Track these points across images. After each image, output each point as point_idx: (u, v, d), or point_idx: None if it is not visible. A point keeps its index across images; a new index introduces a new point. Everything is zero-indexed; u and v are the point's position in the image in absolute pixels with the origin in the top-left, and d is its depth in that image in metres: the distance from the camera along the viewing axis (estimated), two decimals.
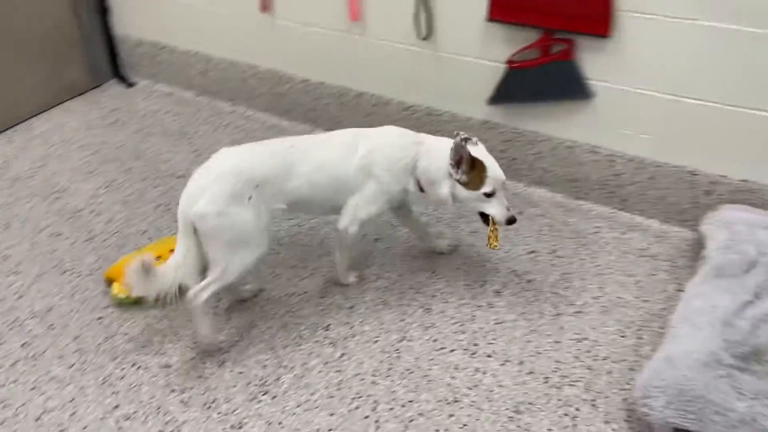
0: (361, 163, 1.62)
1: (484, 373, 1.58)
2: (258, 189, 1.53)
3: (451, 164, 1.56)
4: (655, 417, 1.34)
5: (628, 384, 1.52)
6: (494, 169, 1.58)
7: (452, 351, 1.64)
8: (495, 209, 1.59)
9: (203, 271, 1.57)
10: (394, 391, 1.54)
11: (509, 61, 1.99)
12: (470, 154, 1.54)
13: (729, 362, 1.37)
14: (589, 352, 1.62)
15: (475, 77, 2.11)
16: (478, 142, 1.62)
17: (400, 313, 1.75)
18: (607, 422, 1.45)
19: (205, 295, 1.55)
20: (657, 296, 1.77)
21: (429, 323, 1.72)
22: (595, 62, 1.89)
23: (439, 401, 1.51)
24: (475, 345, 1.65)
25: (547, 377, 1.56)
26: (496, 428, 1.45)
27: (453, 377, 1.57)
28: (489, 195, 1.58)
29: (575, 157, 2.08)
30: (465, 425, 1.46)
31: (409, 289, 1.83)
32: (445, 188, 1.60)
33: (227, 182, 1.51)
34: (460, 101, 2.21)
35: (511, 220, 1.60)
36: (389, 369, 1.60)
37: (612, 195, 2.08)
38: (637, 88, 1.87)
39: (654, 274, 1.84)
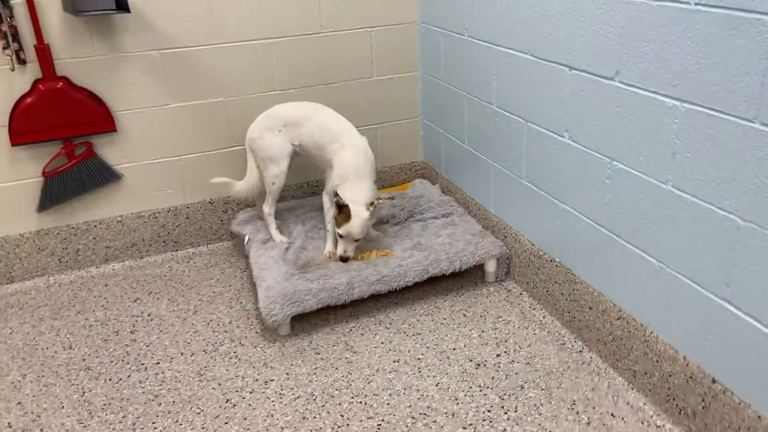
0: (333, 148, 2.36)
1: (164, 373, 2.04)
2: (285, 126, 2.41)
3: (336, 201, 2.24)
4: (279, 318, 2.10)
5: (252, 321, 2.25)
6: (353, 225, 2.21)
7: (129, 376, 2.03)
8: (339, 246, 2.29)
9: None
10: None
11: (44, 173, 2.44)
12: (342, 204, 2.22)
13: (294, 272, 2.26)
14: (218, 325, 2.27)
15: (18, 197, 2.45)
16: (377, 206, 2.27)
17: None
18: (255, 347, 2.14)
19: (267, 206, 2.51)
20: (236, 281, 2.54)
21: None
22: (114, 151, 2.54)
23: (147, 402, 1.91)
24: (143, 363, 2.08)
25: (205, 350, 2.14)
26: (192, 389, 1.95)
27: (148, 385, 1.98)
28: (341, 236, 2.25)
29: (128, 227, 2.66)
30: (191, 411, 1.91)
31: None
32: (330, 213, 2.38)
33: (267, 119, 2.44)
34: (6, 223, 2.49)
35: (342, 258, 2.28)
36: None
37: (167, 241, 2.75)
38: (150, 160, 2.61)
39: (229, 269, 2.61)
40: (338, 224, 2.25)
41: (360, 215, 2.22)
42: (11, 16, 2.21)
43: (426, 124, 2.95)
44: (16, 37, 2.23)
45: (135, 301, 2.44)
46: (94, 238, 2.63)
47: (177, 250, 2.79)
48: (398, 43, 2.81)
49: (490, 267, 2.41)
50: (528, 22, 2.00)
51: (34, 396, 1.95)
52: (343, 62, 2.75)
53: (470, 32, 2.37)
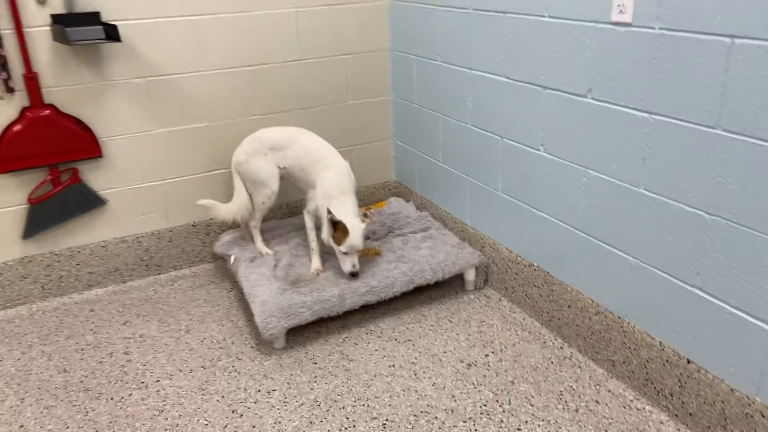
0: (317, 169, 2.46)
1: (165, 389, 2.07)
2: (271, 150, 2.51)
3: (329, 218, 2.31)
4: (276, 331, 2.18)
5: (246, 336, 2.31)
6: (354, 238, 2.30)
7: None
8: (345, 263, 2.36)
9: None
10: None
11: (30, 199, 2.45)
12: (336, 221, 2.29)
13: (286, 287, 2.34)
14: (213, 342, 2.32)
15: (3, 225, 2.45)
16: (366, 220, 2.38)
17: None
18: (252, 360, 2.20)
19: (253, 221, 2.62)
20: (224, 300, 2.60)
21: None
22: (99, 177, 2.57)
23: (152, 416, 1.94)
24: (142, 381, 2.11)
25: (203, 366, 2.19)
26: (195, 403, 2.00)
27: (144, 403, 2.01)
28: (345, 253, 2.33)
29: (111, 252, 2.68)
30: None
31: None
32: (325, 232, 2.38)
33: (253, 143, 2.54)
34: None
35: (353, 274, 2.36)
36: None
37: (150, 265, 2.78)
38: (134, 185, 2.65)
39: (215, 290, 2.66)
40: (338, 242, 2.35)
41: (357, 227, 2.33)
42: (0, 46, 2.25)
43: (399, 145, 3.11)
44: (5, 66, 2.27)
45: (124, 323, 2.46)
46: (77, 264, 2.64)
47: (160, 274, 2.82)
48: (371, 70, 2.97)
49: (470, 276, 2.56)
50: (501, 48, 2.19)
51: (36, 419, 1.96)
52: (321, 88, 2.89)
53: (444, 58, 2.55)
